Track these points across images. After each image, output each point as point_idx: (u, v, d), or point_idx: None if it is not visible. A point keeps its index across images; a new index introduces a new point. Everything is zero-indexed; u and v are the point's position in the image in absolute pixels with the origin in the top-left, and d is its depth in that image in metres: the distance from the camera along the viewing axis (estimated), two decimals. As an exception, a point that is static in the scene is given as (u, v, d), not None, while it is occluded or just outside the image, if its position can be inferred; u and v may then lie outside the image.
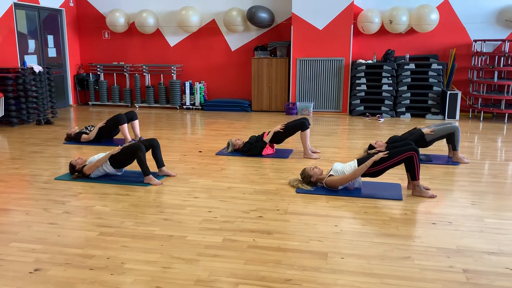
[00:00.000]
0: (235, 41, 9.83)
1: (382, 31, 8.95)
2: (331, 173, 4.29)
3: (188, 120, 8.63)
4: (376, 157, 4.10)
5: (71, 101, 10.48)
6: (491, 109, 8.30)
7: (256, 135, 5.92)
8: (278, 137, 5.66)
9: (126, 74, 10.26)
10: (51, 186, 4.38)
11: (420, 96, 8.70)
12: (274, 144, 5.81)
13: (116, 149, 4.53)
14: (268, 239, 3.17)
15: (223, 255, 2.91)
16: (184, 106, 9.91)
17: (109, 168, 4.55)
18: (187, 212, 3.69)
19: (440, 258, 2.89)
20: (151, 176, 4.43)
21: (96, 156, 4.64)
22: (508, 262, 2.83)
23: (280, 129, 5.61)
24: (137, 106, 10.18)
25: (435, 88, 8.59)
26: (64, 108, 10.13)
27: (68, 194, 4.13)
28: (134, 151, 4.41)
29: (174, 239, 3.16)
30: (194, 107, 9.87)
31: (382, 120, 8.46)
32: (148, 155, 4.64)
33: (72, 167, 4.64)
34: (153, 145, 4.63)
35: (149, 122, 8.29)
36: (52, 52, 9.88)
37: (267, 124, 7.98)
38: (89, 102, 10.53)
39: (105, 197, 4.06)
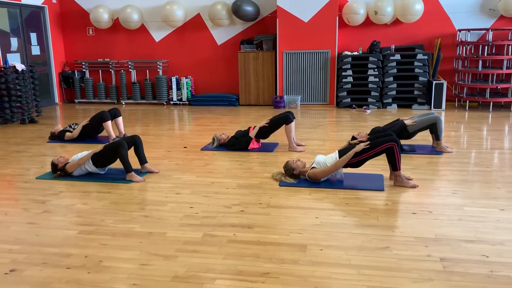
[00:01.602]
0: (221, 35, 9.77)
1: (368, 22, 8.94)
2: (313, 165, 4.29)
3: (175, 116, 8.59)
4: (358, 148, 4.11)
5: (57, 99, 10.38)
6: (477, 98, 8.35)
7: (243, 129, 5.91)
8: (264, 132, 5.65)
9: (112, 71, 10.18)
10: (32, 186, 4.34)
11: (406, 87, 8.72)
12: (260, 139, 5.80)
13: (98, 148, 4.50)
14: (249, 233, 3.17)
15: (202, 251, 2.90)
16: (171, 102, 9.86)
17: (91, 167, 4.52)
18: (168, 208, 3.67)
19: (418, 247, 2.91)
20: (133, 173, 4.41)
21: (80, 154, 4.61)
22: (484, 249, 2.85)
23: (265, 123, 5.60)
24: (123, 103, 10.11)
25: (421, 78, 8.61)
26: (50, 106, 10.04)
27: (49, 193, 4.10)
28: (115, 148, 4.38)
29: (154, 236, 3.15)
30: (181, 102, 9.82)
31: (368, 111, 8.48)
32: (131, 152, 4.61)
33: (54, 165, 4.60)
34: (135, 141, 4.60)
35: (136, 119, 8.24)
36: (35, 50, 9.77)
37: (254, 118, 7.97)
38: (75, 100, 10.45)
39: (86, 195, 4.03)
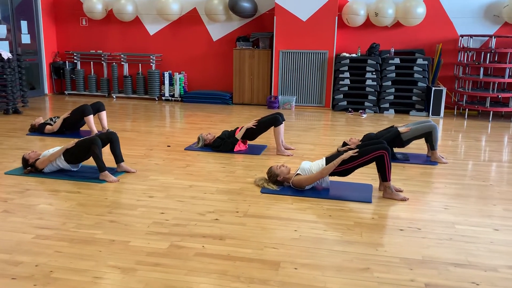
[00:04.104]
0: (216, 31, 9.50)
1: (368, 24, 8.67)
2: (298, 172, 4.04)
3: (166, 112, 8.32)
4: (345, 155, 3.85)
5: (46, 90, 10.11)
6: (476, 106, 8.09)
7: (229, 130, 5.65)
8: (251, 133, 5.39)
9: (104, 63, 9.90)
10: (-2, 182, 4.09)
11: (404, 92, 8.45)
12: (247, 140, 5.54)
13: (70, 143, 4.24)
14: (219, 245, 2.91)
15: (165, 264, 2.64)
16: (163, 98, 9.59)
17: (63, 164, 4.26)
18: (138, 213, 3.41)
19: (402, 270, 2.65)
20: (107, 172, 4.14)
21: (51, 150, 4.35)
22: (474, 275, 2.59)
23: (253, 125, 5.33)
24: (114, 97, 9.84)
25: (420, 84, 8.34)
26: (39, 97, 9.77)
27: (14, 191, 3.84)
28: (88, 145, 4.12)
29: (115, 244, 2.88)
30: (173, 98, 9.55)
31: (364, 116, 8.22)
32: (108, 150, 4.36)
33: (24, 161, 4.34)
34: (111, 139, 4.34)
35: (125, 114, 7.97)
36: (26, 39, 9.49)
37: (246, 118, 7.70)
38: (65, 92, 10.17)
39: (53, 195, 3.77)
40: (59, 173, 4.29)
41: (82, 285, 2.39)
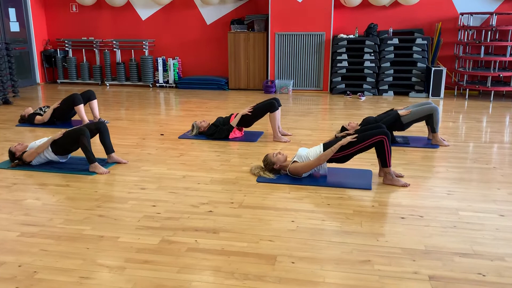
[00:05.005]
0: (210, 14, 9.25)
1: (365, 3, 8.43)
2: (295, 159, 3.89)
3: (160, 99, 8.14)
4: (344, 141, 3.70)
5: (38, 79, 9.89)
6: (477, 86, 7.91)
7: (224, 116, 5.48)
8: (247, 120, 5.22)
9: (96, 50, 9.67)
10: (-15, 176, 3.94)
11: (403, 73, 8.26)
12: (243, 127, 5.38)
13: (58, 134, 4.09)
14: (213, 239, 2.78)
15: (155, 261, 2.51)
16: (157, 84, 9.39)
17: (51, 155, 4.11)
18: (128, 206, 3.27)
19: (404, 261, 2.52)
20: (96, 163, 4.00)
21: (38, 142, 4.19)
22: (480, 265, 2.47)
23: (248, 112, 5.17)
24: (107, 84, 9.64)
25: (419, 64, 8.15)
26: (31, 86, 9.57)
27: (0, 185, 3.69)
28: (76, 136, 3.97)
29: (104, 240, 2.75)
30: (167, 85, 9.35)
31: (363, 98, 8.04)
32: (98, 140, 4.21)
33: (11, 154, 4.19)
34: (100, 129, 4.17)
35: (118, 102, 7.79)
36: (14, 27, 9.24)
37: (242, 104, 7.53)
38: (57, 80, 9.96)
39: (41, 189, 3.63)
40: (48, 166, 4.15)
41: (67, 286, 2.26)
